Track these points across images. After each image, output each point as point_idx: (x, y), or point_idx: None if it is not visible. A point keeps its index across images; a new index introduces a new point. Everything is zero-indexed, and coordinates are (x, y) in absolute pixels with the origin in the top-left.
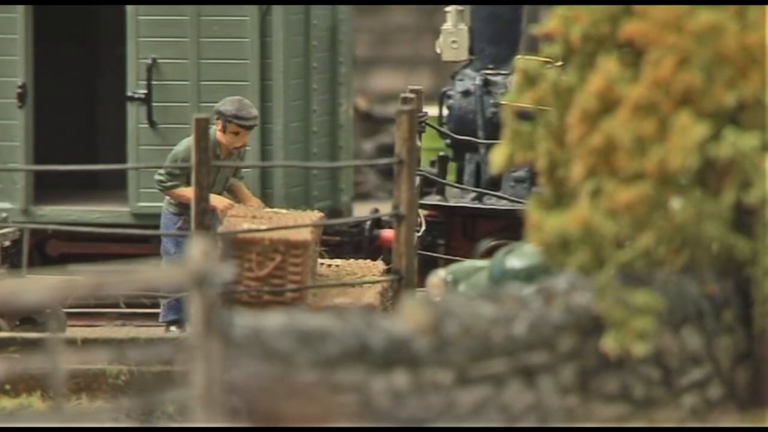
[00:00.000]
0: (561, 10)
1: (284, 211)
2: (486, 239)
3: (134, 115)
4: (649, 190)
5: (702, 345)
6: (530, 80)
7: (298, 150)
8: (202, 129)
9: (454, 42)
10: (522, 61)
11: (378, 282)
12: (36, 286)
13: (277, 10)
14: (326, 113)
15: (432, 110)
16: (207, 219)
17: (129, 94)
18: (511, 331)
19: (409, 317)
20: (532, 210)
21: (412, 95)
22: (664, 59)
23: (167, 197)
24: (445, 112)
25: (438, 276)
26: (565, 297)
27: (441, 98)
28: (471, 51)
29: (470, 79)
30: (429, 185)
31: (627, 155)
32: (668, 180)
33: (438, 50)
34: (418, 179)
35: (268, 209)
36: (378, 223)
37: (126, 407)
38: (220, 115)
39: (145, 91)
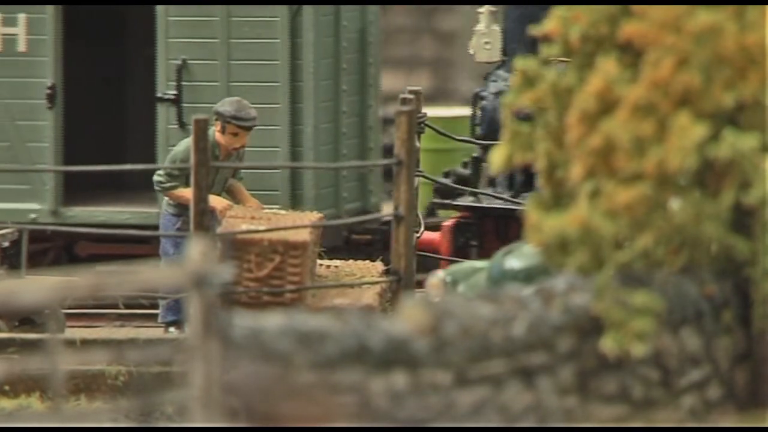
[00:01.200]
0: (560, 10)
1: (283, 211)
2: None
3: (164, 116)
4: (648, 190)
5: (701, 346)
6: (529, 81)
7: (328, 151)
8: (201, 130)
9: (487, 43)
10: (521, 61)
11: (377, 283)
12: (35, 286)
13: (308, 11)
14: (356, 114)
15: (465, 111)
16: (206, 220)
17: (159, 95)
18: (510, 331)
19: (408, 318)
20: (531, 210)
21: (411, 96)
22: (663, 60)
23: (166, 198)
24: (478, 113)
25: (437, 277)
26: (564, 298)
27: (474, 99)
28: (504, 52)
29: (503, 80)
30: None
31: (626, 156)
32: (667, 181)
33: (471, 51)
34: (417, 180)
35: (267, 210)
36: None
37: (125, 408)
38: (219, 115)
39: (174, 92)
